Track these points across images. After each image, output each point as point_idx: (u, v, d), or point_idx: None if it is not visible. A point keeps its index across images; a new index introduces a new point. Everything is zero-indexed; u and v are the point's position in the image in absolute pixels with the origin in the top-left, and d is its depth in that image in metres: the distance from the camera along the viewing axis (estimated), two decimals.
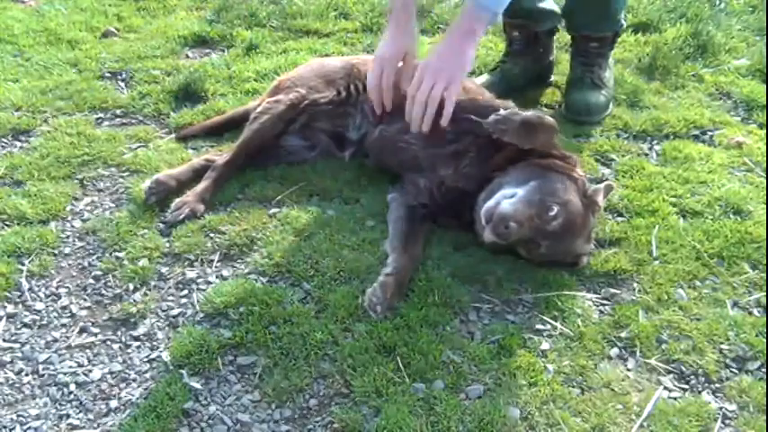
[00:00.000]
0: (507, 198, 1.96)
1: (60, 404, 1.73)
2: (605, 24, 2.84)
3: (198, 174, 2.42)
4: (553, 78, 3.08)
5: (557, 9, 3.00)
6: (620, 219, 2.31)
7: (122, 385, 1.77)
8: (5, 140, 2.73)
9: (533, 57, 3.00)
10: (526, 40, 2.98)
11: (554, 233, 1.97)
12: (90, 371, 1.81)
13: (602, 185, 2.12)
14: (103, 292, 2.04)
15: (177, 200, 2.30)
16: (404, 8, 2.30)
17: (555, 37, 3.10)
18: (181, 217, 2.24)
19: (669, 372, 1.81)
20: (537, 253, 2.01)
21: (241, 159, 2.45)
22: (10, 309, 1.98)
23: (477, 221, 2.06)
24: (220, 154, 2.51)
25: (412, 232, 2.13)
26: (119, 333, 1.91)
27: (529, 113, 2.11)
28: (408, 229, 2.14)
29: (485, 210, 1.96)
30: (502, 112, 2.09)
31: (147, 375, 1.79)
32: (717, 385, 1.77)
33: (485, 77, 3.01)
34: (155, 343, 1.88)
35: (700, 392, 1.76)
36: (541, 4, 2.97)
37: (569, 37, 3.00)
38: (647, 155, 2.65)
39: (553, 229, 1.96)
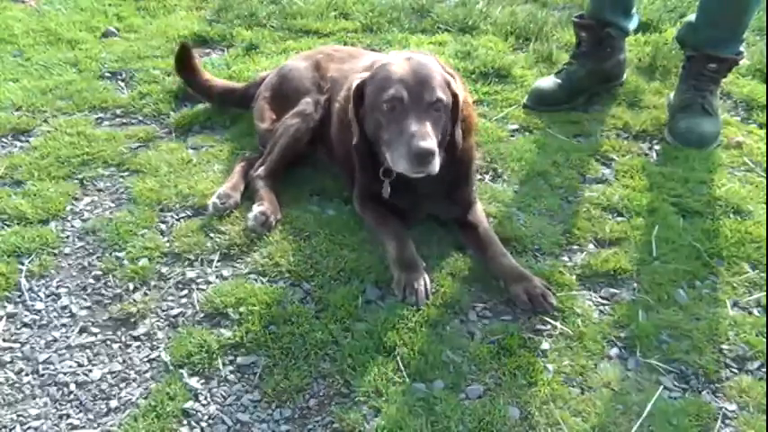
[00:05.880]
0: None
1: (60, 404, 1.72)
2: (730, 45, 2.71)
3: (246, 178, 2.43)
4: (624, 77, 3.03)
5: (635, 14, 2.94)
6: (620, 219, 2.31)
7: (122, 385, 1.77)
8: (5, 140, 2.73)
9: (600, 57, 2.93)
10: (594, 41, 2.92)
11: None
12: (90, 371, 1.81)
13: None
14: (103, 292, 2.04)
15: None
16: None
17: (625, 39, 3.01)
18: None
19: (669, 372, 1.80)
20: None
21: (281, 171, 2.43)
22: (10, 309, 1.98)
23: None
24: (254, 155, 2.51)
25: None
26: (119, 333, 1.91)
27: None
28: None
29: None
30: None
31: (147, 375, 1.79)
32: (717, 385, 1.77)
33: (550, 80, 2.94)
34: (155, 343, 1.88)
35: (700, 392, 1.76)
36: (623, 22, 2.90)
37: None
38: (647, 155, 2.65)
39: None
